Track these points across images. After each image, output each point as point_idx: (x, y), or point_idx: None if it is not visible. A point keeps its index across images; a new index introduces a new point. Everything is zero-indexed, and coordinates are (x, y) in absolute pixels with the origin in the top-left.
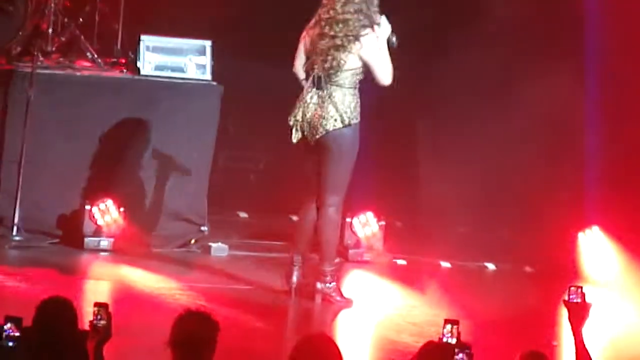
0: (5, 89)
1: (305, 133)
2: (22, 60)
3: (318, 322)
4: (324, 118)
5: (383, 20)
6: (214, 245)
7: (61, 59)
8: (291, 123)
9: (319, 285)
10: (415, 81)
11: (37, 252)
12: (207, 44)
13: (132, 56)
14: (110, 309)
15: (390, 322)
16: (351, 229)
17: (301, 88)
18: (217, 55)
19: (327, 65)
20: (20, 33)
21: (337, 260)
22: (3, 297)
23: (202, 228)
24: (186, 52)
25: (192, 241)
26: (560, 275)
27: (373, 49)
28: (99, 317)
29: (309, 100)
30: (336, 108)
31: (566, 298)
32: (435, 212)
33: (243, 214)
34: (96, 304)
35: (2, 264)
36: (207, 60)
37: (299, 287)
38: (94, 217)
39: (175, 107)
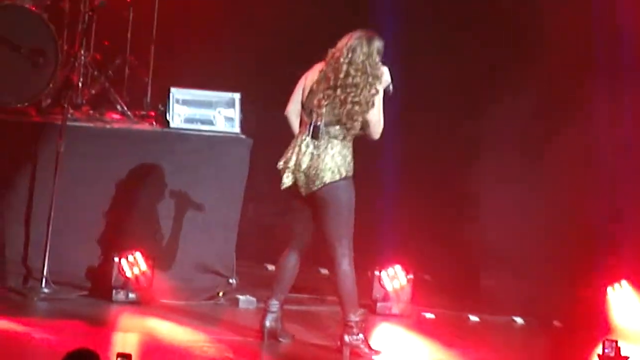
0: (35, 141)
1: (299, 182)
2: (52, 113)
3: None
4: (321, 170)
5: (385, 71)
6: (242, 297)
7: (91, 112)
8: (280, 167)
9: (346, 338)
10: (446, 132)
11: (66, 304)
12: (236, 96)
13: (162, 109)
14: None
15: None
16: (379, 282)
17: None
18: (245, 107)
19: (345, 120)
20: (51, 85)
21: (361, 311)
22: (32, 349)
23: (230, 280)
24: (215, 104)
25: (220, 293)
26: (589, 329)
27: (378, 108)
28: None
29: (304, 149)
30: (333, 160)
31: (600, 352)
32: (463, 266)
33: (271, 267)
34: (119, 355)
35: (31, 316)
36: (235, 112)
37: (271, 332)
38: (122, 269)
39: (204, 159)
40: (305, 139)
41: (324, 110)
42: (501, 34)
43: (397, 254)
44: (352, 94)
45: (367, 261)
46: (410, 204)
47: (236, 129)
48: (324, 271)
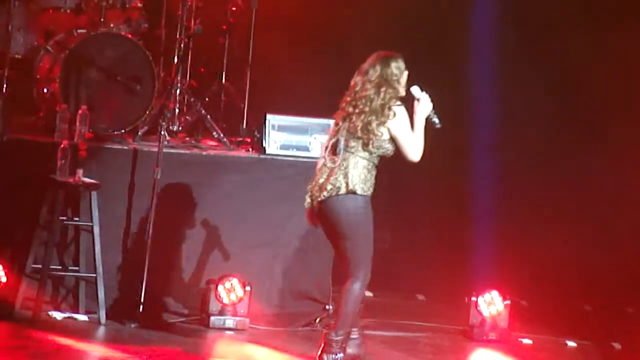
0: (132, 168)
1: (312, 197)
2: (149, 140)
3: None
4: (330, 183)
5: (423, 96)
6: None
7: (187, 139)
8: (308, 188)
9: (324, 356)
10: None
11: (163, 331)
12: (331, 122)
13: (258, 135)
14: None
15: None
16: (476, 308)
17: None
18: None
19: (360, 134)
20: (147, 112)
21: (345, 332)
22: None
23: (327, 307)
24: (310, 130)
25: (317, 320)
26: None
27: (402, 122)
28: None
29: (323, 166)
30: (345, 174)
31: None
32: (561, 291)
33: (368, 293)
34: None
35: (128, 343)
36: None
37: (354, 358)
38: (219, 295)
39: (300, 185)
40: (327, 157)
41: (341, 124)
42: None
43: (494, 280)
44: (362, 104)
45: (464, 287)
46: (507, 228)
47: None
48: (421, 297)
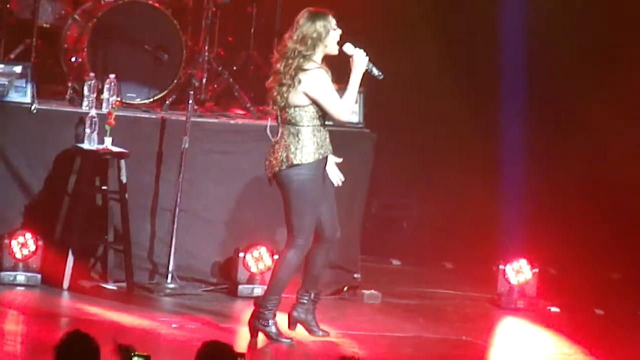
0: (160, 137)
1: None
2: (177, 109)
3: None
4: (275, 159)
5: (356, 51)
6: (366, 292)
7: (215, 108)
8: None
9: (255, 323)
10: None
11: (191, 300)
12: (360, 90)
13: None
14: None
15: None
16: (504, 276)
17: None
18: (369, 101)
19: (277, 104)
20: (175, 81)
21: (277, 299)
22: (159, 343)
23: (355, 275)
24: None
25: (345, 288)
26: None
27: (317, 83)
28: None
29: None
30: (285, 147)
31: None
32: (589, 259)
33: (396, 262)
34: (238, 355)
35: (157, 312)
36: (359, 107)
37: (293, 321)
38: (247, 264)
39: None
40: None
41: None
42: None
43: (522, 248)
44: (279, 67)
45: (492, 255)
46: (535, 196)
47: (360, 123)
48: (449, 265)
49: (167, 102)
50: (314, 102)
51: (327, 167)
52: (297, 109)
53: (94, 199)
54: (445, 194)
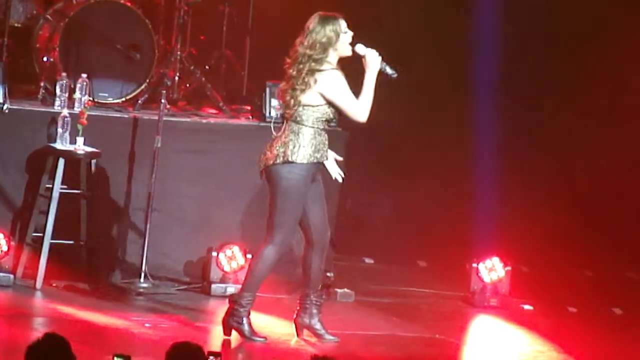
0: (132, 136)
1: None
2: (149, 108)
3: None
4: (270, 152)
5: (369, 51)
6: (340, 291)
7: (187, 107)
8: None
9: (229, 321)
10: (543, 118)
11: (165, 299)
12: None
13: (258, 103)
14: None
15: None
16: (477, 274)
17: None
18: None
19: (284, 104)
20: (147, 81)
21: (251, 296)
22: (132, 343)
23: (328, 274)
24: None
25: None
26: None
27: (333, 85)
28: None
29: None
30: (284, 143)
31: None
32: (562, 257)
33: (369, 260)
34: (210, 353)
35: (131, 311)
36: None
37: (299, 328)
38: (220, 263)
39: None
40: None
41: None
42: None
43: (495, 246)
44: (292, 70)
45: (465, 253)
46: (508, 194)
47: (332, 122)
48: (422, 264)
49: (140, 101)
50: (330, 103)
51: (327, 163)
52: (306, 107)
53: (66, 199)
54: (419, 193)
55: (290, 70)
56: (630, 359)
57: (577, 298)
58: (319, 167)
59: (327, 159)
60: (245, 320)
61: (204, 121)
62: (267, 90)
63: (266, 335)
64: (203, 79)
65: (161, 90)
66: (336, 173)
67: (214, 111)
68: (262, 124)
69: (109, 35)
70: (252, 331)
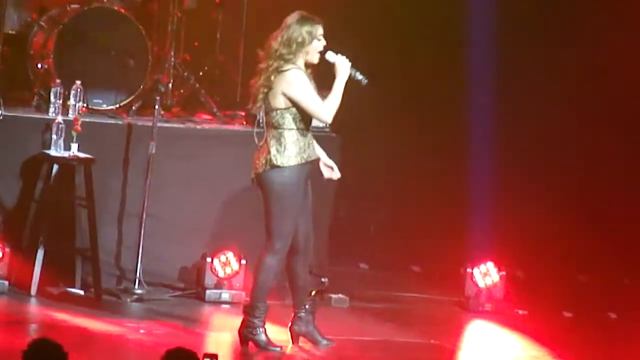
0: (126, 143)
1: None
2: (143, 114)
3: None
4: (258, 159)
5: (338, 58)
6: (334, 296)
7: (181, 113)
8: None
9: (245, 332)
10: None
11: (159, 305)
12: (326, 94)
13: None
14: None
15: None
16: (472, 279)
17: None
18: None
19: (257, 104)
20: (141, 87)
21: (264, 306)
22: (127, 349)
23: (323, 279)
24: None
25: (313, 292)
26: None
27: (295, 85)
28: None
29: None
30: (268, 150)
31: None
32: (556, 262)
33: (364, 265)
34: (205, 355)
35: (125, 317)
36: None
37: (295, 336)
38: (214, 269)
39: None
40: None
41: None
42: None
43: (490, 251)
44: (263, 67)
45: (460, 258)
46: (502, 199)
47: (326, 127)
48: (416, 269)
49: (134, 107)
50: (294, 104)
51: (320, 165)
52: (279, 111)
53: (61, 205)
54: (413, 198)
55: (262, 64)
56: None
57: (572, 303)
58: (312, 168)
59: (315, 157)
60: (260, 330)
61: (198, 127)
62: None
63: (281, 345)
64: (197, 85)
65: (155, 96)
66: (329, 173)
67: (208, 117)
68: (257, 129)
69: (103, 42)
70: (268, 341)
